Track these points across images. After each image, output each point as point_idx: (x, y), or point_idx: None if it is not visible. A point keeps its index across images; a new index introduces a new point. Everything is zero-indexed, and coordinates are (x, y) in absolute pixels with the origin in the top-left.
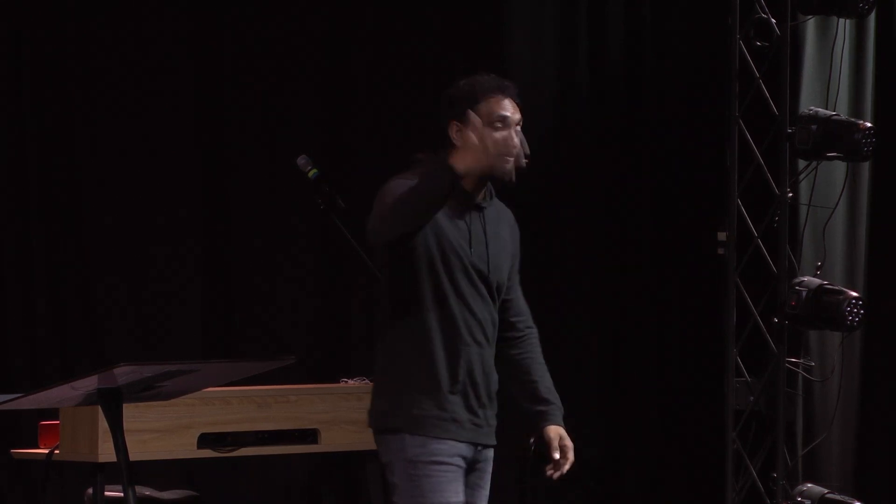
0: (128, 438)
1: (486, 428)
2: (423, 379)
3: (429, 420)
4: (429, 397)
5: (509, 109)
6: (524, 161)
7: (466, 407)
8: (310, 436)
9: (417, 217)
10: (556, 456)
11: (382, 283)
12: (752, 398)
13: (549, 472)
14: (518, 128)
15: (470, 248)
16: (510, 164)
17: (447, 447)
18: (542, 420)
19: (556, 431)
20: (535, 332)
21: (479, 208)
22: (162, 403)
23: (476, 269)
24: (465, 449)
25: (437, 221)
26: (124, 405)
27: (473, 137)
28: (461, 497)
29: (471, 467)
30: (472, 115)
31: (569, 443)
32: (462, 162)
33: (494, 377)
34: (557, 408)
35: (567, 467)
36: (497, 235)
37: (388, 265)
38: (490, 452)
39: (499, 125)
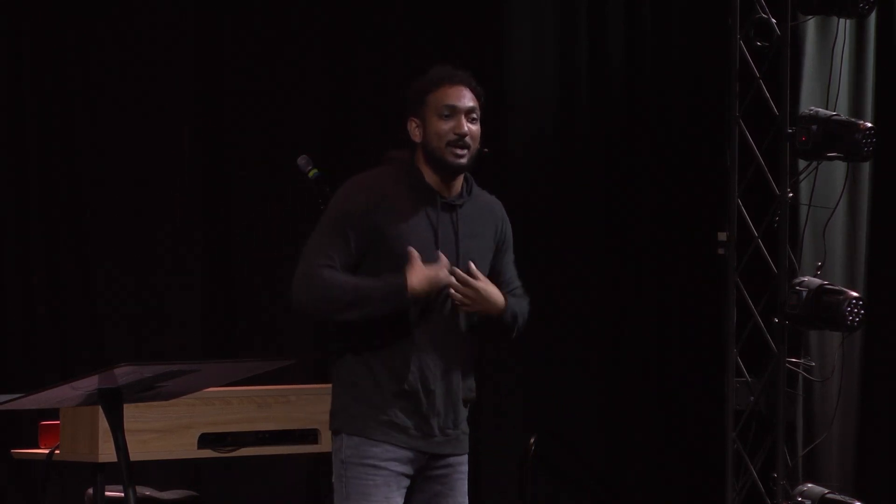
0: (128, 438)
1: (439, 437)
2: (364, 381)
3: (365, 421)
4: (368, 399)
5: (457, 98)
6: (479, 148)
7: (414, 413)
8: (310, 436)
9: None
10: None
11: None
12: (752, 398)
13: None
14: (474, 115)
15: (437, 250)
16: (461, 154)
17: (381, 450)
18: None
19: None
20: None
21: (451, 206)
22: (162, 403)
23: None
24: (407, 455)
25: (399, 224)
26: (124, 405)
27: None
28: (392, 503)
29: (421, 475)
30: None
31: (473, 282)
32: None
33: (462, 385)
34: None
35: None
36: (471, 234)
37: None
38: (454, 461)
39: (447, 114)
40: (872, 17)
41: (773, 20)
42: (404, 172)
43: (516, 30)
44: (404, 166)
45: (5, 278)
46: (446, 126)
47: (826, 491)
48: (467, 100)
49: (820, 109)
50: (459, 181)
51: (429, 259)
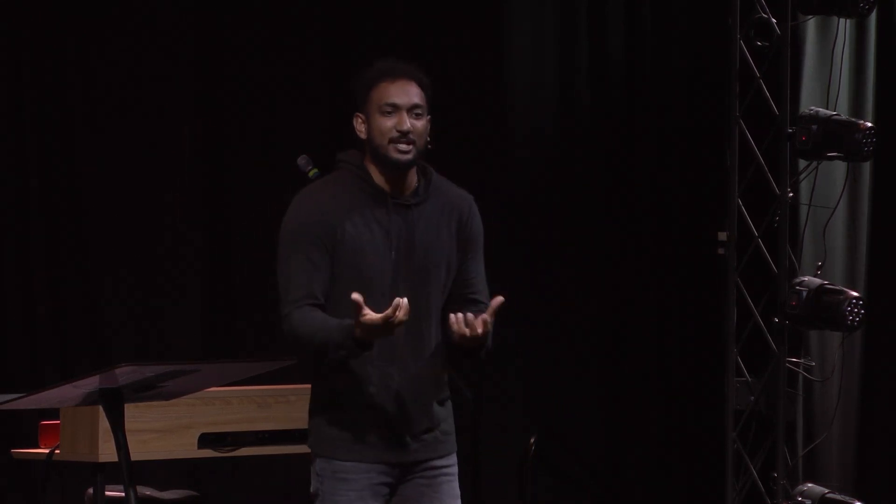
0: (128, 438)
1: (414, 444)
2: (333, 399)
3: (335, 443)
4: (338, 420)
5: (399, 94)
6: (426, 143)
7: (384, 426)
8: None
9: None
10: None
11: None
12: (752, 398)
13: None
14: (418, 111)
15: (392, 257)
16: (405, 150)
17: (351, 465)
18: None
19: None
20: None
21: (405, 206)
22: (162, 403)
23: (399, 282)
24: (381, 468)
25: (352, 231)
26: (125, 405)
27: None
28: None
29: (403, 482)
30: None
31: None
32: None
33: (432, 392)
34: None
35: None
36: (430, 232)
37: None
38: (438, 464)
39: (389, 111)
40: (872, 17)
41: (773, 20)
42: (353, 175)
43: (516, 30)
44: (353, 169)
45: (5, 278)
46: (389, 123)
47: (826, 491)
48: (411, 96)
49: (820, 109)
50: (413, 178)
51: (383, 266)
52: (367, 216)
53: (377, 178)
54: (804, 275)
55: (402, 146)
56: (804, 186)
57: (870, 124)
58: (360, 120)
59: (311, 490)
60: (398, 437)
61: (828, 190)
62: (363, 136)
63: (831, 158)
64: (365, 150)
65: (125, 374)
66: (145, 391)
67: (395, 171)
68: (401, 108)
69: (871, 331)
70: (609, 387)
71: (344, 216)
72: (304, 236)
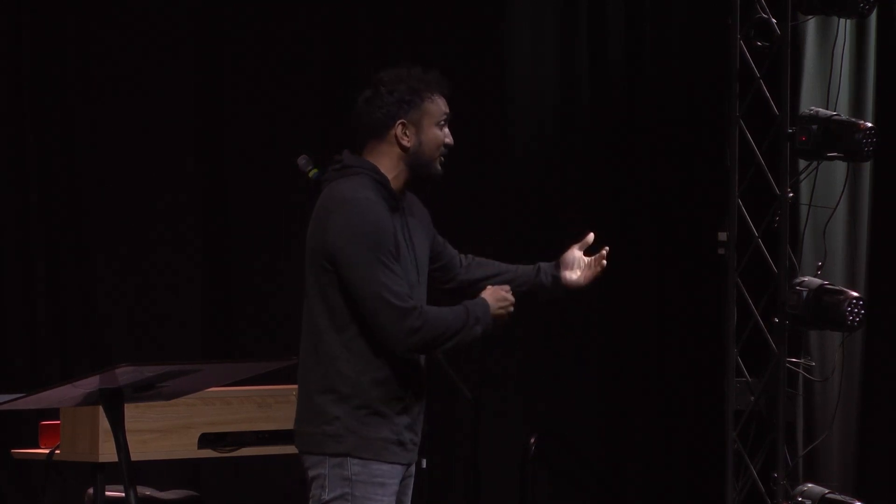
0: (128, 438)
1: (417, 447)
2: (375, 401)
3: (381, 444)
4: (379, 422)
5: (447, 107)
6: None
7: (411, 427)
8: None
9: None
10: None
11: (326, 295)
12: (752, 398)
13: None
14: None
15: (413, 262)
16: (443, 163)
17: (388, 468)
18: (551, 268)
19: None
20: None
21: (401, 210)
22: (162, 403)
23: (415, 287)
24: (402, 471)
25: (399, 245)
26: (125, 405)
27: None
28: None
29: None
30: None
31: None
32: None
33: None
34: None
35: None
36: (416, 229)
37: (335, 281)
38: (413, 467)
39: (443, 123)
40: (872, 17)
41: (773, 20)
42: (373, 181)
43: (516, 29)
44: (373, 175)
45: (5, 279)
46: (442, 135)
47: (826, 491)
48: None
49: (820, 109)
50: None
51: (409, 271)
52: (395, 224)
53: (394, 184)
54: (804, 275)
55: (443, 159)
56: (804, 186)
57: (870, 124)
58: (406, 127)
59: (328, 496)
60: (417, 438)
61: (828, 190)
62: (409, 144)
63: (831, 158)
64: (384, 155)
65: (125, 374)
66: (145, 391)
67: (429, 181)
68: (448, 120)
69: (871, 331)
70: (609, 387)
71: (393, 225)
72: (385, 244)
